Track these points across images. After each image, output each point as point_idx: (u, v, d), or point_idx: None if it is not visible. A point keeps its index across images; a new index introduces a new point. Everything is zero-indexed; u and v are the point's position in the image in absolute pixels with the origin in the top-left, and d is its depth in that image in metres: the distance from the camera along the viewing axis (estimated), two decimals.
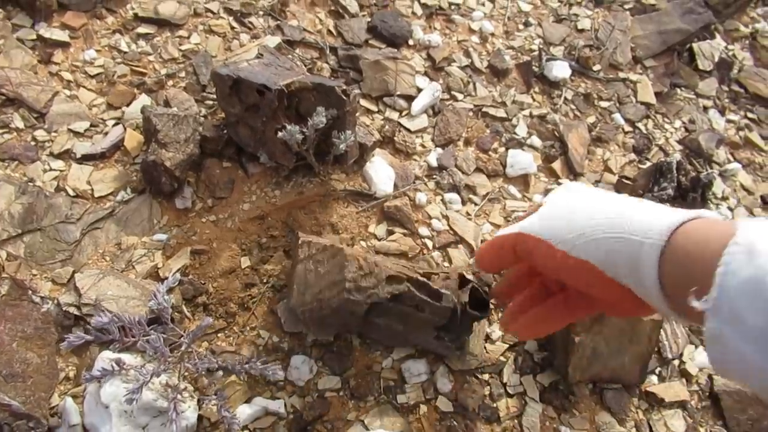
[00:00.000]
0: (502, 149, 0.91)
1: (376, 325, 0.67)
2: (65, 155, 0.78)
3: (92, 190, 0.76)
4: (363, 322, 0.66)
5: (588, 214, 0.45)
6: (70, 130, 0.80)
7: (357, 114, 0.87)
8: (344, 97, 0.73)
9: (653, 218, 0.40)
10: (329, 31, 0.97)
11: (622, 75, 1.05)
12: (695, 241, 0.37)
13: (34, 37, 0.85)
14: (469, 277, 0.69)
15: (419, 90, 0.91)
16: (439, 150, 0.88)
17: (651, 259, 0.38)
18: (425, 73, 0.95)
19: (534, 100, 0.98)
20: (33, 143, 0.78)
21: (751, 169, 1.04)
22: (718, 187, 0.97)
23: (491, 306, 0.70)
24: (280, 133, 0.70)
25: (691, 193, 0.82)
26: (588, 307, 0.51)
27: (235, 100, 0.74)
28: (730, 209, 0.96)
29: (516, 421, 0.70)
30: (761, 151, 1.06)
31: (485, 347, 0.74)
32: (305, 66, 0.91)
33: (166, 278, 0.69)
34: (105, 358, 0.63)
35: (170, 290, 0.70)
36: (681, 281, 0.37)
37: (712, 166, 1.00)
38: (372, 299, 0.63)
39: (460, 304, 0.67)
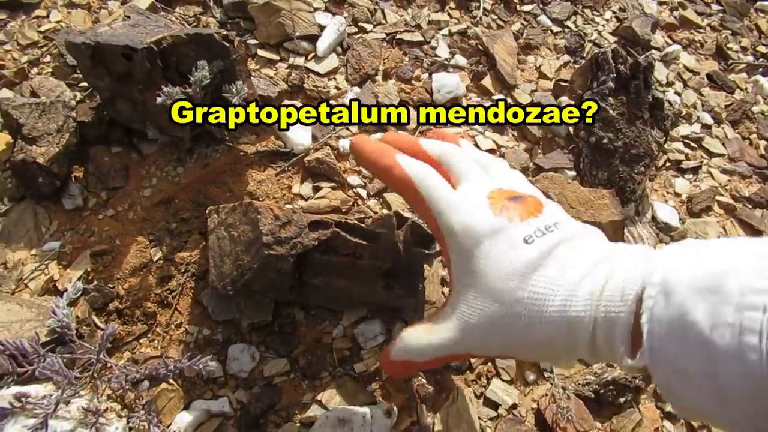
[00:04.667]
0: (425, 75, 0.82)
1: (316, 288, 0.59)
2: None
3: None
4: (299, 286, 0.58)
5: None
6: None
7: (256, 65, 0.77)
8: (227, 44, 0.63)
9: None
10: None
11: None
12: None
13: None
14: (407, 214, 0.62)
15: (322, 28, 0.81)
16: (356, 89, 0.79)
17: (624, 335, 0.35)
18: (326, 9, 0.85)
19: (451, 16, 0.89)
20: None
21: (693, 48, 0.98)
22: (662, 73, 0.91)
23: (437, 244, 0.63)
24: (159, 99, 0.60)
25: (633, 81, 0.74)
26: None
27: (101, 72, 0.63)
28: (678, 94, 0.90)
29: (490, 364, 0.63)
30: (699, 28, 1.00)
31: (443, 292, 0.67)
32: (189, 25, 0.80)
33: (66, 290, 0.60)
34: (3, 396, 0.53)
35: (73, 303, 0.61)
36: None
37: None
38: (297, 250, 0.54)
39: (401, 243, 0.59)
